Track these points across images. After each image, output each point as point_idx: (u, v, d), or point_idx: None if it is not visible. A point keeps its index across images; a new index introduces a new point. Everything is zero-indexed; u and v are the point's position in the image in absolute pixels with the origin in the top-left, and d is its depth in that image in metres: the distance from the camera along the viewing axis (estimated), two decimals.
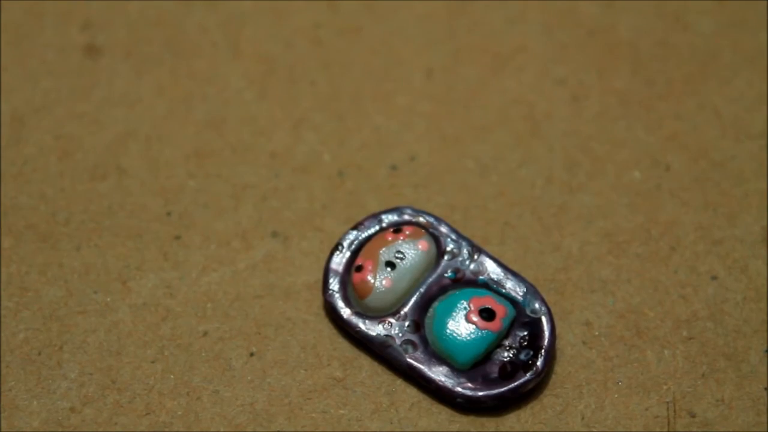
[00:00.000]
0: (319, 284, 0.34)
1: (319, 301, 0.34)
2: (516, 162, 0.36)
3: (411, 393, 0.33)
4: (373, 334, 0.32)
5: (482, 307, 0.32)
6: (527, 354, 0.32)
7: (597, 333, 0.33)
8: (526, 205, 0.35)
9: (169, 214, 0.35)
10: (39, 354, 0.33)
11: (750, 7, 0.39)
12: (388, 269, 0.33)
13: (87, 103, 0.37)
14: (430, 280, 0.33)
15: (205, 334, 0.33)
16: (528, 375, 0.32)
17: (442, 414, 0.32)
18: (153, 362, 0.33)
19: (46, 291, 0.34)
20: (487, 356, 0.32)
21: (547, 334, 0.32)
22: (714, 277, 0.34)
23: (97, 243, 0.35)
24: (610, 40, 0.38)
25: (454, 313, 0.32)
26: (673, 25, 0.38)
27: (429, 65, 0.38)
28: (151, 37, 0.38)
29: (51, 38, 0.38)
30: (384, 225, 0.34)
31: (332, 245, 0.34)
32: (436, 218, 0.34)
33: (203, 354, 0.33)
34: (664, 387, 0.32)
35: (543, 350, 0.32)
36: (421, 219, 0.34)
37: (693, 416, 0.32)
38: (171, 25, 0.38)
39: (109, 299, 0.34)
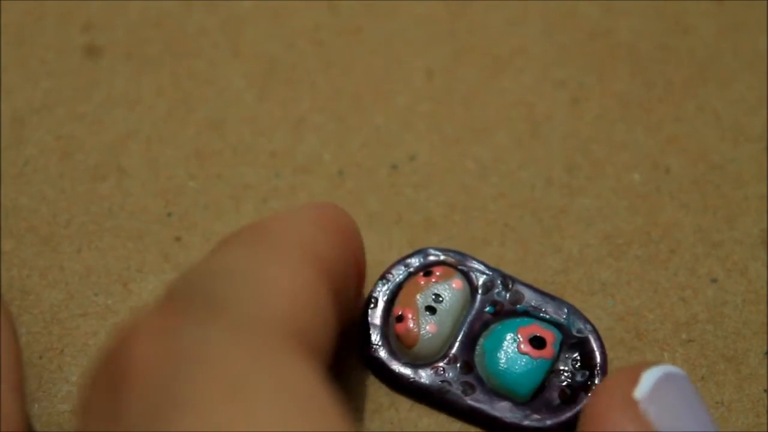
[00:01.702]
0: None
1: None
2: (516, 163, 0.36)
3: None
4: (428, 382, 0.32)
5: (531, 336, 0.32)
6: (583, 375, 0.32)
7: None
8: (526, 206, 0.35)
9: (169, 215, 0.35)
10: (40, 358, 0.33)
11: (750, 10, 0.39)
12: (429, 314, 0.32)
13: (87, 104, 0.37)
14: (471, 317, 0.32)
15: None
16: (590, 396, 0.31)
17: (442, 415, 0.32)
18: None
19: (47, 294, 0.34)
20: (543, 384, 0.32)
21: (597, 352, 0.32)
22: (714, 280, 0.34)
23: (98, 245, 0.35)
24: (610, 42, 0.38)
25: (505, 347, 0.32)
26: (673, 28, 0.38)
27: (429, 66, 0.38)
28: (151, 37, 0.38)
29: (51, 39, 0.38)
30: (412, 270, 0.33)
31: None
32: (461, 254, 0.33)
33: None
34: None
35: (597, 369, 0.32)
36: (446, 258, 0.33)
37: None
38: (171, 25, 0.38)
39: (110, 301, 0.34)
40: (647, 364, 0.28)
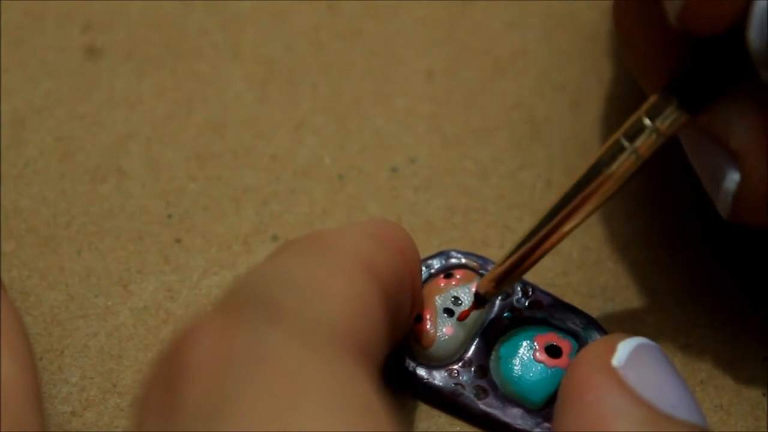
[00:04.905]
0: None
1: None
2: (516, 165, 0.36)
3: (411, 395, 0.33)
4: (441, 384, 0.32)
5: (548, 345, 0.32)
6: None
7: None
8: (526, 208, 0.35)
9: (169, 216, 0.35)
10: (41, 359, 0.33)
11: None
12: (447, 316, 0.32)
13: (88, 105, 0.37)
14: (488, 322, 0.32)
15: None
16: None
17: (443, 417, 0.32)
18: None
19: (47, 295, 0.34)
20: (557, 393, 0.31)
21: None
22: (713, 283, 0.34)
23: (98, 246, 0.35)
24: (610, 46, 0.38)
25: (520, 354, 0.32)
26: None
27: (429, 67, 0.38)
28: (151, 38, 0.38)
29: (51, 39, 0.38)
30: (432, 271, 0.33)
31: None
32: (483, 258, 0.33)
33: None
34: None
35: None
36: (468, 261, 0.33)
37: None
38: (171, 27, 0.38)
39: (110, 303, 0.34)
40: (622, 336, 0.29)
